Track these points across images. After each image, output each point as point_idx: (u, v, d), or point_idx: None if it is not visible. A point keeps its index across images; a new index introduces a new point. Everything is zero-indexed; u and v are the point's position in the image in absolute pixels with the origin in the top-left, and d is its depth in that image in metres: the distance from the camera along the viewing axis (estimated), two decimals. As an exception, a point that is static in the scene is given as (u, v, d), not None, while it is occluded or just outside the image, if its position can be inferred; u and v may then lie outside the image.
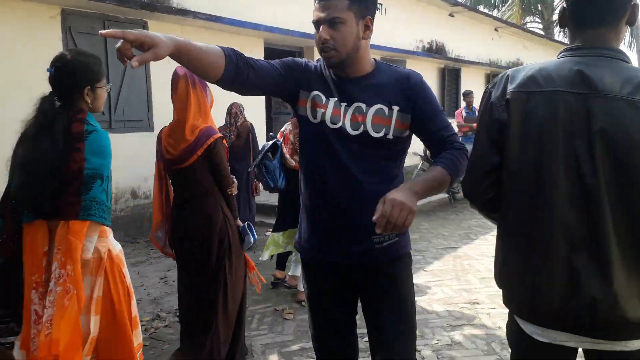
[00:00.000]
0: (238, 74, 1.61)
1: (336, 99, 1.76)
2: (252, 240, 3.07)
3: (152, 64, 7.03)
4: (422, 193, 1.60)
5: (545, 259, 1.40)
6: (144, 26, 7.00)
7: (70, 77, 2.17)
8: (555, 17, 26.46)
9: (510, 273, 1.51)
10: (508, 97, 1.46)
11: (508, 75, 1.51)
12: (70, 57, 2.21)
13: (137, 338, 2.29)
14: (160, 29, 7.11)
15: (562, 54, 1.49)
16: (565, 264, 1.38)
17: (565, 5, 1.49)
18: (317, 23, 1.71)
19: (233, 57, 1.59)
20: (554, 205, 1.38)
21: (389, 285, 1.84)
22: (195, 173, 2.83)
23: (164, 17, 6.96)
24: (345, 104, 1.75)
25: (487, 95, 1.55)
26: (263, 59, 6.57)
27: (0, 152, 5.57)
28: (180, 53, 1.42)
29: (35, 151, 2.10)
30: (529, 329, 1.50)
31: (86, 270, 2.10)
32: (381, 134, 1.73)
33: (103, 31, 1.26)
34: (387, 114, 1.73)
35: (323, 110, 1.75)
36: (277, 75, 1.74)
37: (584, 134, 1.36)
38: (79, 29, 6.35)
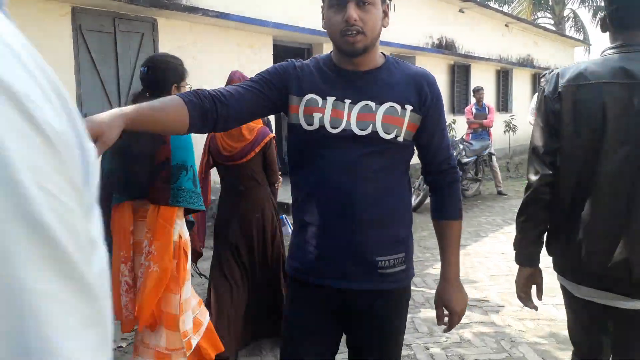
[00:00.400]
0: (206, 118, 1.47)
1: (334, 97, 1.54)
2: (289, 230, 3.40)
3: (162, 61, 7.05)
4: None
5: (591, 225, 1.67)
6: (154, 24, 7.02)
7: (161, 75, 2.47)
8: (566, 12, 26.24)
9: (559, 241, 1.79)
10: (560, 90, 1.73)
11: (558, 72, 1.78)
12: (161, 59, 2.56)
13: (187, 322, 2.43)
14: (169, 26, 7.14)
15: (605, 52, 1.74)
16: (607, 229, 1.64)
17: (606, 13, 1.75)
18: (341, 1, 1.48)
19: (196, 102, 1.45)
20: (601, 180, 1.64)
21: (381, 323, 1.63)
22: (250, 168, 3.21)
23: (174, 14, 6.98)
24: (349, 100, 1.54)
25: (541, 91, 1.82)
26: (272, 56, 6.58)
27: None
28: (135, 124, 1.30)
29: (131, 139, 2.30)
30: (580, 291, 1.77)
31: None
32: (392, 136, 1.53)
33: None
34: (399, 113, 1.54)
35: (321, 115, 1.53)
36: (257, 96, 1.57)
37: (628, 116, 1.60)
38: (89, 26, 6.39)
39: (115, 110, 1.26)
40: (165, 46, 7.12)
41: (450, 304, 1.67)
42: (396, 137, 1.54)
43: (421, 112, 1.58)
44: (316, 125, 1.54)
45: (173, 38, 7.19)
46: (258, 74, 1.63)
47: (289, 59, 1.69)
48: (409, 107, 1.55)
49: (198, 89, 1.52)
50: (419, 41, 12.18)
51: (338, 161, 1.53)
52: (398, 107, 1.54)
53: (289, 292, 1.72)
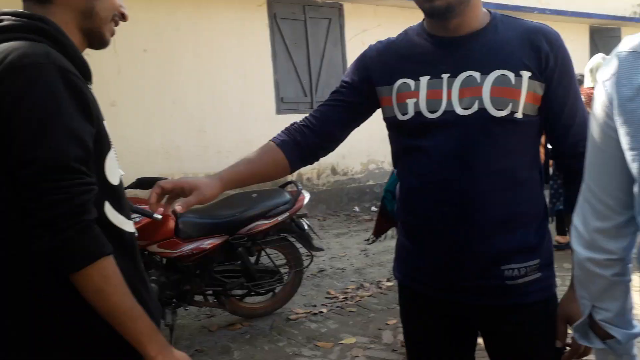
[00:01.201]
0: (303, 152, 1.43)
1: (429, 76, 1.29)
2: None
3: (348, 46, 7.27)
4: None
5: None
6: (340, 9, 7.25)
7: None
8: None
9: None
10: None
11: None
12: None
13: None
14: (354, 11, 7.30)
15: None
16: None
17: None
18: None
19: (288, 140, 1.41)
20: None
21: (520, 342, 1.35)
22: None
23: (359, -1, 7.13)
24: (448, 74, 1.27)
25: None
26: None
27: (216, 133, 6.03)
28: (234, 183, 1.36)
29: None
30: None
31: None
32: (506, 112, 1.24)
33: (151, 206, 1.23)
34: (513, 82, 1.24)
35: (415, 100, 1.29)
36: (342, 109, 1.43)
37: None
38: (283, 15, 6.81)
39: (214, 175, 1.33)
40: (351, 30, 7.31)
41: (576, 318, 1.26)
42: (512, 113, 1.24)
43: (543, 78, 1.26)
44: (411, 112, 1.30)
45: (358, 22, 7.34)
46: (341, 79, 1.47)
47: (370, 45, 1.46)
48: (525, 74, 1.25)
49: (291, 125, 1.47)
50: (624, 10, 10.77)
51: (442, 152, 1.28)
52: (511, 75, 1.24)
53: (400, 300, 1.52)
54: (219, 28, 6.26)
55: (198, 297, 3.23)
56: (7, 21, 0.98)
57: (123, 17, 1.15)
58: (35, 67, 0.90)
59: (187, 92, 6.04)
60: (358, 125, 1.47)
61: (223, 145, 6.18)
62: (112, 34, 1.15)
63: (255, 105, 6.50)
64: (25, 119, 0.89)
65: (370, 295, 3.81)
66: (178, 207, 1.22)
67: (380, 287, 3.96)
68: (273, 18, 6.74)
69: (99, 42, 1.13)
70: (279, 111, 6.76)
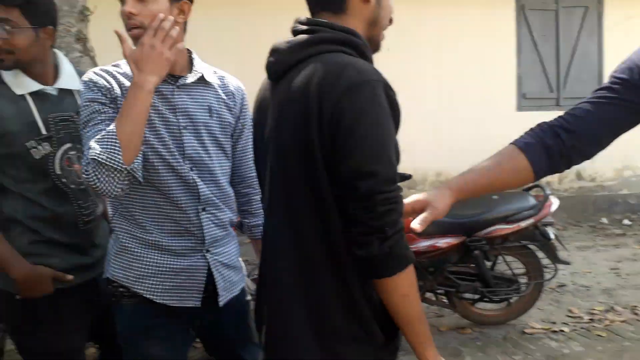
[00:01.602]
0: (552, 157, 1.22)
1: None
2: None
3: (607, 36, 6.45)
4: None
5: None
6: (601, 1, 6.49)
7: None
8: None
9: None
10: None
11: None
12: None
13: None
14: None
15: None
16: None
17: None
18: None
19: (533, 142, 1.23)
20: None
21: None
22: None
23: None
24: None
25: None
26: None
27: (451, 130, 5.91)
28: (469, 193, 1.23)
29: None
30: None
31: None
32: None
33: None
34: None
35: None
36: (614, 107, 1.22)
37: None
38: (532, 5, 6.37)
39: (442, 185, 1.24)
40: (611, 18, 6.47)
41: None
42: None
43: None
44: None
45: (621, 9, 6.45)
46: (611, 75, 1.26)
47: None
48: None
49: (538, 125, 1.26)
50: None
51: None
52: None
53: None
54: (463, 24, 6.12)
55: (429, 295, 3.23)
56: (324, 32, 1.04)
57: (390, 21, 1.17)
58: (371, 84, 0.96)
59: (425, 89, 6.05)
60: (628, 129, 1.26)
61: (457, 143, 6.04)
62: (383, 39, 1.18)
63: (493, 101, 6.21)
64: (368, 135, 0.94)
65: (623, 321, 3.33)
66: (416, 226, 1.15)
67: (636, 314, 3.44)
68: (521, 10, 6.35)
69: (375, 49, 1.16)
70: (520, 108, 6.35)
